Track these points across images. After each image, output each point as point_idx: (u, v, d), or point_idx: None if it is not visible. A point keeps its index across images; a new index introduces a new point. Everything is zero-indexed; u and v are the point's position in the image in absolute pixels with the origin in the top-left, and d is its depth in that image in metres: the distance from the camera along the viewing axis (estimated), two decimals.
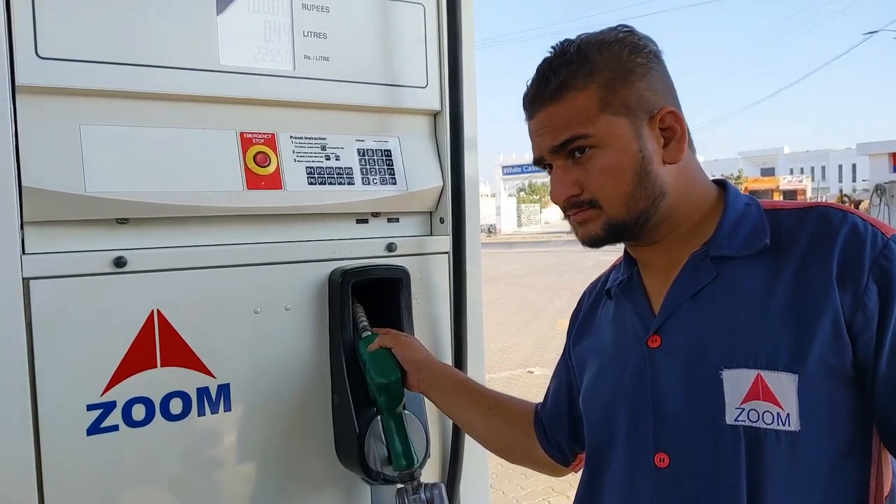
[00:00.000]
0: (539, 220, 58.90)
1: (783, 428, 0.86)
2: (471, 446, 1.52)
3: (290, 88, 1.36)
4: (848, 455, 0.87)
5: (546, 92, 0.96)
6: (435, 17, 1.53)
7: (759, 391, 0.87)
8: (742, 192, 1.04)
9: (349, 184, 1.42)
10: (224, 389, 1.29)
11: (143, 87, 1.22)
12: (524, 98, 1.01)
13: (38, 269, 1.13)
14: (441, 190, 1.54)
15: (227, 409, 1.30)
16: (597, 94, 0.94)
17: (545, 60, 0.99)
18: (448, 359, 1.54)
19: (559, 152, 0.96)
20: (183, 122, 1.27)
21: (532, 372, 7.59)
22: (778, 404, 0.86)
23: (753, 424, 0.87)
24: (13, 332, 1.11)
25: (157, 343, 1.22)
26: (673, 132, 0.96)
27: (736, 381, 0.88)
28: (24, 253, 1.13)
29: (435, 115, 1.56)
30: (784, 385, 0.85)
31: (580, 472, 1.15)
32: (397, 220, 1.54)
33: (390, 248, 1.49)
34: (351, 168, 1.43)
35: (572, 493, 1.11)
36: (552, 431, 1.23)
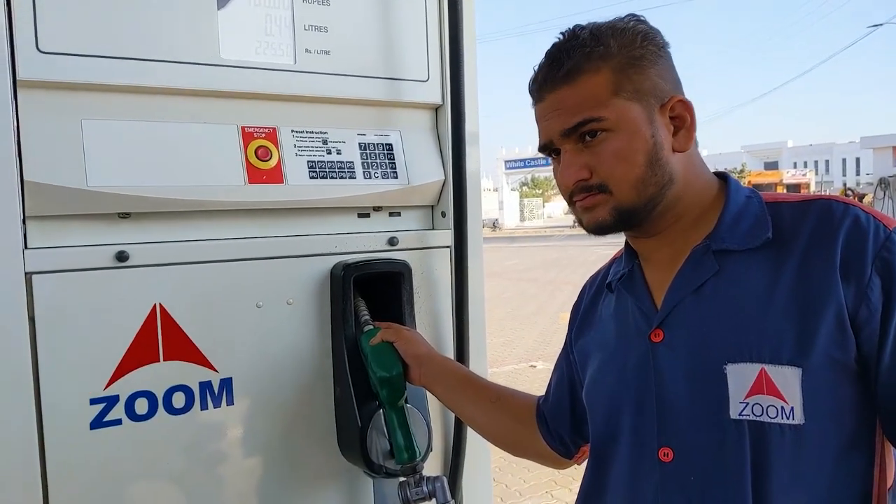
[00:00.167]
0: (542, 215, 58.87)
1: (787, 422, 0.86)
2: (473, 439, 1.52)
3: (291, 82, 1.36)
4: (852, 448, 0.87)
5: (558, 74, 0.95)
6: (436, 10, 1.52)
7: (762, 385, 0.87)
8: (745, 185, 1.03)
9: (350, 178, 1.42)
10: (226, 383, 1.29)
11: (145, 82, 1.22)
12: (532, 81, 1.00)
13: (41, 264, 1.13)
14: (442, 184, 1.54)
15: (230, 402, 1.30)
16: (610, 77, 0.93)
17: (556, 44, 0.97)
18: (450, 353, 1.54)
19: (570, 136, 0.95)
20: (184, 116, 1.27)
21: (535, 366, 7.59)
22: (782, 398, 0.86)
23: (758, 419, 0.87)
24: (16, 327, 1.11)
25: (160, 337, 1.23)
26: (682, 121, 0.96)
27: (740, 376, 0.88)
28: (26, 248, 1.13)
29: (436, 109, 1.56)
30: (788, 379, 0.85)
31: (583, 465, 1.15)
32: (399, 214, 1.54)
33: (392, 242, 1.49)
34: (352, 162, 1.43)
35: (575, 486, 1.12)
36: (554, 424, 1.23)
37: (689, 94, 1.00)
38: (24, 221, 1.13)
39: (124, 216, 1.23)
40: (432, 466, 1.51)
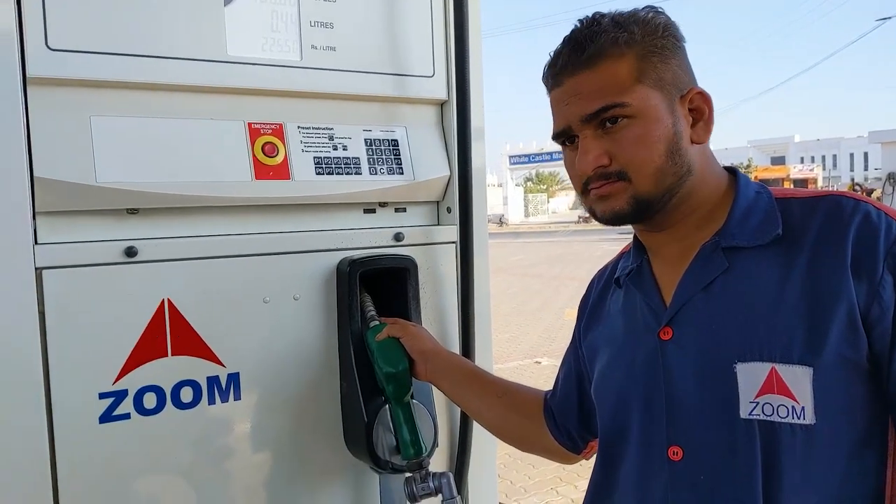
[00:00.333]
0: (546, 210, 58.75)
1: (798, 421, 0.85)
2: (479, 435, 1.53)
3: (298, 78, 1.36)
4: (863, 447, 0.86)
5: (580, 58, 0.93)
6: (441, 6, 1.52)
7: (773, 384, 0.86)
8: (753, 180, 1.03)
9: (356, 174, 1.43)
10: (234, 378, 1.30)
11: (152, 78, 1.23)
12: (550, 66, 0.98)
13: (51, 259, 1.14)
14: (448, 179, 1.54)
15: (237, 397, 1.31)
16: (634, 64, 0.92)
17: (576, 29, 0.96)
18: (456, 348, 1.55)
19: (590, 122, 0.93)
20: (192, 112, 1.28)
21: (539, 362, 7.59)
22: (793, 397, 0.85)
23: (768, 418, 0.86)
24: (26, 322, 1.12)
25: (168, 332, 1.23)
26: (701, 113, 0.96)
27: (750, 375, 0.87)
28: (36, 243, 1.14)
29: (442, 105, 1.56)
30: (799, 378, 0.85)
31: (590, 461, 1.14)
32: (404, 209, 1.55)
33: (398, 237, 1.49)
34: (358, 158, 1.44)
35: (580, 483, 1.12)
36: (562, 419, 1.23)
37: None
38: (34, 217, 1.14)
39: (133, 212, 1.24)
40: (438, 462, 1.52)
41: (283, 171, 1.34)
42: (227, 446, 1.31)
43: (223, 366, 1.29)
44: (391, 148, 1.48)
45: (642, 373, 0.98)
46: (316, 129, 1.40)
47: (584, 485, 1.12)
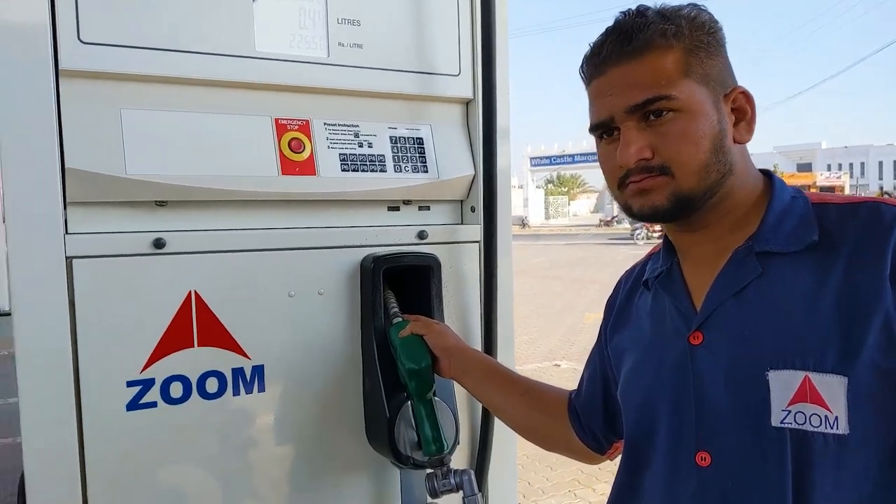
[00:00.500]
0: (567, 213, 58.57)
1: (831, 431, 0.83)
2: (499, 434, 1.52)
3: (324, 75, 1.37)
4: None
5: (627, 48, 0.91)
6: (468, 5, 1.53)
7: (806, 393, 0.84)
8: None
9: (381, 171, 1.43)
10: (258, 370, 1.32)
11: (182, 73, 1.24)
12: (592, 56, 0.96)
13: (81, 249, 1.16)
14: (472, 178, 1.54)
15: (261, 389, 1.32)
16: (682, 57, 0.91)
17: (621, 20, 0.94)
18: (477, 347, 1.55)
19: (634, 113, 0.91)
20: (220, 107, 1.29)
21: (559, 365, 7.57)
22: (826, 407, 0.83)
23: (800, 427, 0.84)
24: (57, 310, 1.14)
25: (195, 323, 1.25)
26: (743, 113, 0.95)
27: (783, 383, 0.85)
28: (67, 233, 1.16)
29: (467, 104, 1.57)
30: (833, 387, 0.83)
31: (611, 463, 1.13)
32: (428, 208, 1.55)
33: (421, 235, 1.50)
34: (383, 155, 1.44)
35: (598, 487, 1.11)
36: (587, 420, 1.22)
37: None
38: (65, 207, 1.16)
39: (161, 204, 1.26)
40: (459, 460, 1.52)
41: (308, 167, 1.35)
42: (250, 437, 1.32)
43: (248, 358, 1.30)
44: (416, 146, 1.49)
45: (671, 377, 0.97)
46: (342, 125, 1.41)
47: (602, 488, 1.11)
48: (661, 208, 0.92)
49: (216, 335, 1.27)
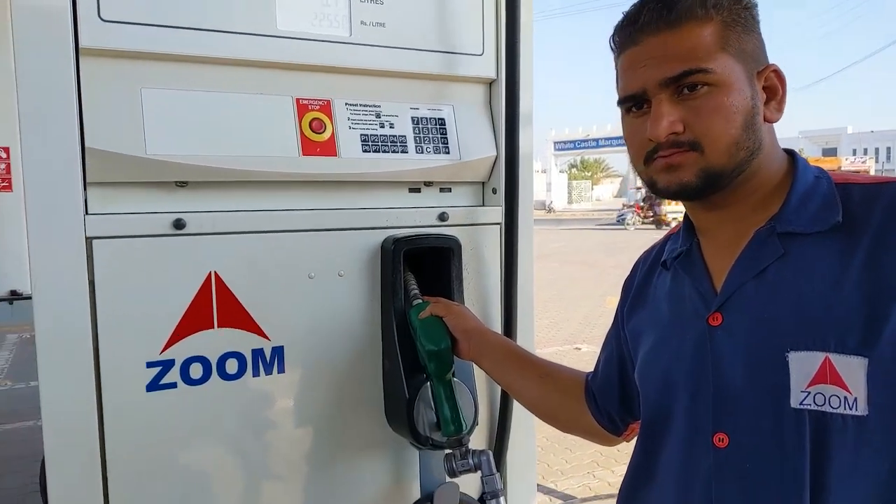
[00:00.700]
0: (590, 198, 58.28)
1: (850, 412, 0.82)
2: (518, 416, 1.52)
3: (346, 55, 1.36)
4: None
5: (666, 17, 0.89)
6: None
7: (826, 375, 0.83)
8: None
9: (402, 152, 1.42)
10: (278, 352, 1.31)
11: (203, 52, 1.23)
12: (626, 24, 0.94)
13: (101, 230, 1.16)
14: (494, 160, 1.53)
15: (281, 370, 1.32)
16: (719, 30, 0.89)
17: None
18: (497, 330, 1.54)
19: (668, 86, 0.89)
20: (241, 86, 1.28)
21: (579, 349, 7.56)
22: (846, 388, 0.82)
23: (819, 408, 0.84)
24: (77, 291, 1.14)
25: (214, 304, 1.25)
26: (775, 92, 0.93)
27: (802, 364, 0.85)
28: (87, 213, 1.16)
29: (490, 84, 1.54)
30: (853, 369, 0.82)
31: (629, 444, 1.13)
32: (450, 189, 1.54)
33: (442, 217, 1.48)
34: (405, 136, 1.43)
35: (617, 468, 1.11)
36: (603, 401, 1.21)
37: None
38: (85, 187, 1.16)
39: (181, 185, 1.25)
40: (477, 441, 1.52)
41: (329, 148, 1.34)
42: (270, 418, 1.33)
43: (268, 339, 1.30)
44: (438, 127, 1.47)
45: (689, 358, 0.96)
46: (363, 105, 1.40)
47: (621, 469, 1.10)
48: (690, 185, 0.91)
49: (236, 316, 1.27)
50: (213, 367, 1.26)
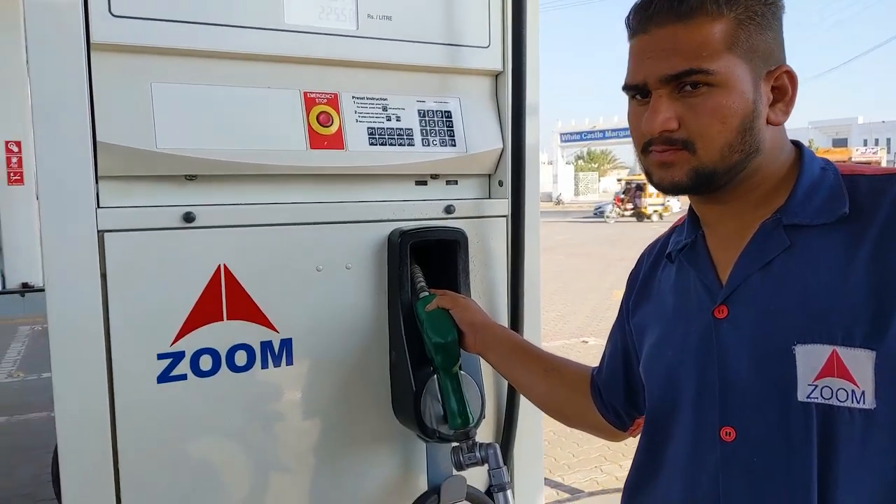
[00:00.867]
0: (597, 189, 58.06)
1: (857, 406, 0.82)
2: (525, 409, 1.53)
3: (353, 48, 1.36)
4: None
5: (675, 9, 0.88)
6: None
7: (833, 368, 0.83)
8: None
9: (409, 145, 1.43)
10: (286, 344, 1.33)
11: (212, 46, 1.24)
12: (639, 10, 0.92)
13: (112, 223, 1.18)
14: (501, 152, 1.53)
15: (289, 362, 1.33)
16: (729, 28, 0.87)
17: None
18: (504, 323, 1.55)
19: (671, 82, 0.89)
20: (249, 80, 1.29)
21: (586, 342, 7.56)
22: (853, 381, 0.82)
23: (826, 402, 0.84)
24: (89, 283, 1.16)
25: (224, 296, 1.26)
26: (783, 93, 0.92)
27: (809, 357, 0.84)
28: (98, 206, 1.17)
29: (496, 76, 1.55)
30: (861, 362, 0.82)
31: (636, 439, 1.13)
32: (456, 182, 1.54)
33: (448, 210, 1.49)
34: (411, 129, 1.44)
35: (625, 462, 1.11)
36: (608, 396, 1.21)
37: None
38: (96, 181, 1.17)
39: (191, 178, 1.26)
40: (485, 434, 1.53)
41: (337, 141, 1.35)
42: (278, 410, 1.34)
43: (276, 331, 1.31)
44: (444, 119, 1.48)
45: (695, 351, 0.96)
46: (370, 99, 1.40)
47: (629, 464, 1.10)
48: (681, 184, 0.91)
49: (245, 308, 1.28)
50: (222, 359, 1.27)
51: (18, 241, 7.95)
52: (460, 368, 1.36)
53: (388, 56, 1.40)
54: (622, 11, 0.97)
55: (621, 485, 1.11)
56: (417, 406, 1.34)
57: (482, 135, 1.51)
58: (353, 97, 1.39)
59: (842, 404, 0.83)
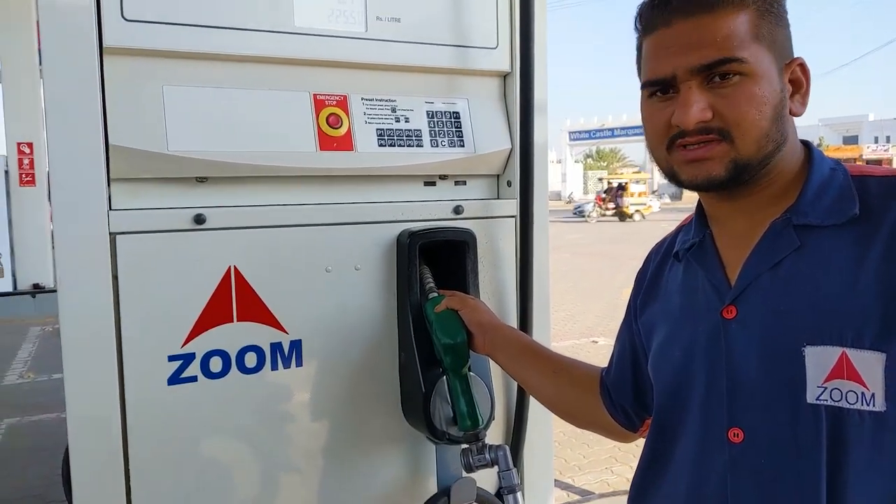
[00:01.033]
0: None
1: (867, 408, 0.82)
2: (535, 411, 1.52)
3: (362, 50, 1.37)
4: None
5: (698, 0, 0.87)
6: None
7: (843, 370, 0.82)
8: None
9: (418, 146, 1.43)
10: (296, 345, 1.33)
11: (223, 49, 1.25)
12: (655, 3, 0.91)
13: (124, 225, 1.18)
14: (509, 153, 1.53)
15: (299, 364, 1.34)
16: (752, 19, 0.87)
17: None
18: (513, 323, 1.55)
19: (701, 73, 0.87)
20: (259, 83, 1.30)
21: (596, 342, 7.55)
22: (863, 384, 0.82)
23: (836, 404, 0.83)
24: (101, 285, 1.17)
25: (234, 298, 1.27)
26: (799, 85, 0.93)
27: (819, 359, 0.84)
28: (110, 209, 1.18)
29: (505, 77, 1.55)
30: (871, 364, 0.81)
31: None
32: (465, 182, 1.54)
33: (457, 210, 1.49)
34: (420, 130, 1.44)
35: (635, 464, 1.10)
36: (617, 396, 1.21)
37: None
38: (108, 184, 1.18)
39: (202, 180, 1.27)
40: (494, 436, 1.53)
41: (346, 143, 1.35)
42: (288, 411, 1.35)
43: (286, 333, 1.32)
44: (453, 120, 1.48)
45: (703, 351, 0.95)
46: (379, 100, 1.41)
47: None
48: (717, 178, 0.89)
49: (255, 310, 1.29)
50: (232, 361, 1.28)
51: (30, 242, 8.01)
52: (470, 369, 1.36)
53: (397, 58, 1.41)
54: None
55: None
56: (427, 407, 1.34)
57: (490, 135, 1.51)
58: (362, 99, 1.39)
59: (851, 407, 0.82)
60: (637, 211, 29.09)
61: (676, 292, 1.04)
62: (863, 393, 0.82)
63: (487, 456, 1.34)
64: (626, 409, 1.20)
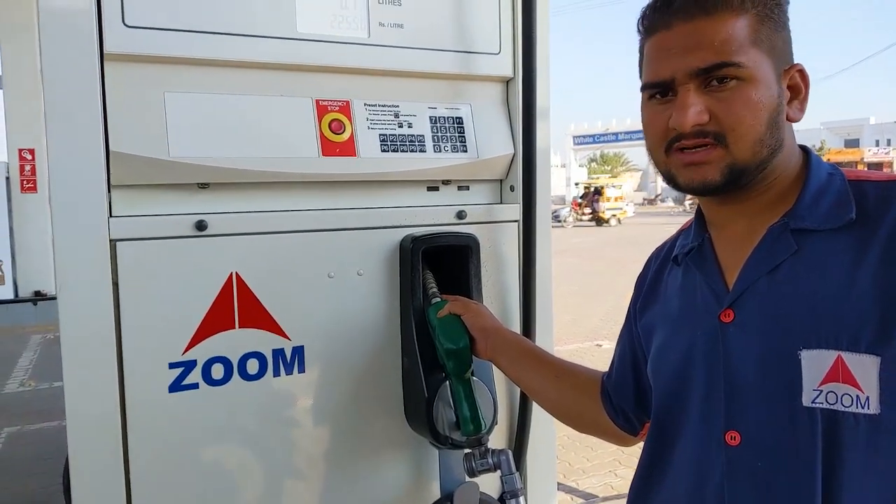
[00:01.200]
0: None
1: (862, 411, 0.82)
2: (538, 415, 1.52)
3: (365, 56, 1.37)
4: None
5: (699, 3, 0.88)
6: None
7: (838, 373, 0.83)
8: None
9: (421, 151, 1.43)
10: (298, 351, 1.33)
11: (225, 55, 1.25)
12: (657, 6, 0.92)
13: (125, 231, 1.18)
14: (512, 158, 1.53)
15: (301, 370, 1.33)
16: (752, 23, 0.88)
17: None
18: (516, 328, 1.55)
19: (699, 76, 0.88)
20: (262, 89, 1.30)
21: (600, 345, 7.54)
22: (858, 387, 0.82)
23: (831, 407, 0.84)
24: (101, 292, 1.16)
25: (236, 305, 1.26)
26: (798, 91, 0.93)
27: (815, 362, 0.84)
28: (111, 215, 1.18)
29: (507, 82, 1.55)
30: (866, 367, 0.82)
31: None
32: (467, 187, 1.54)
33: (460, 215, 1.49)
34: (423, 135, 1.44)
35: None
36: (618, 400, 1.21)
37: None
38: (109, 190, 1.17)
39: (203, 186, 1.27)
40: (497, 440, 1.52)
41: (349, 148, 1.35)
42: (290, 418, 1.34)
43: (288, 339, 1.32)
44: (455, 125, 1.48)
45: (701, 355, 0.96)
46: (382, 106, 1.41)
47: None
48: (713, 183, 0.90)
49: (257, 316, 1.28)
50: (234, 368, 1.27)
51: (31, 248, 8.01)
52: (473, 374, 1.36)
53: (400, 63, 1.41)
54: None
55: None
56: (430, 412, 1.34)
57: (493, 140, 1.51)
58: (364, 104, 1.39)
59: (847, 409, 0.83)
60: (613, 216, 29.01)
61: (675, 296, 1.05)
62: (858, 396, 0.82)
63: (490, 460, 1.33)
64: (627, 412, 1.20)
